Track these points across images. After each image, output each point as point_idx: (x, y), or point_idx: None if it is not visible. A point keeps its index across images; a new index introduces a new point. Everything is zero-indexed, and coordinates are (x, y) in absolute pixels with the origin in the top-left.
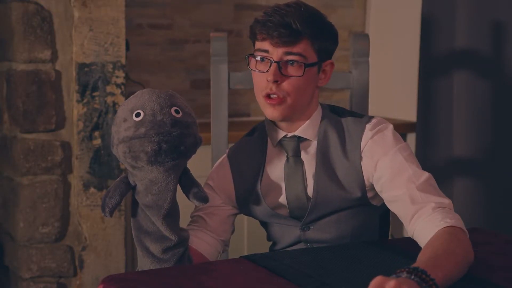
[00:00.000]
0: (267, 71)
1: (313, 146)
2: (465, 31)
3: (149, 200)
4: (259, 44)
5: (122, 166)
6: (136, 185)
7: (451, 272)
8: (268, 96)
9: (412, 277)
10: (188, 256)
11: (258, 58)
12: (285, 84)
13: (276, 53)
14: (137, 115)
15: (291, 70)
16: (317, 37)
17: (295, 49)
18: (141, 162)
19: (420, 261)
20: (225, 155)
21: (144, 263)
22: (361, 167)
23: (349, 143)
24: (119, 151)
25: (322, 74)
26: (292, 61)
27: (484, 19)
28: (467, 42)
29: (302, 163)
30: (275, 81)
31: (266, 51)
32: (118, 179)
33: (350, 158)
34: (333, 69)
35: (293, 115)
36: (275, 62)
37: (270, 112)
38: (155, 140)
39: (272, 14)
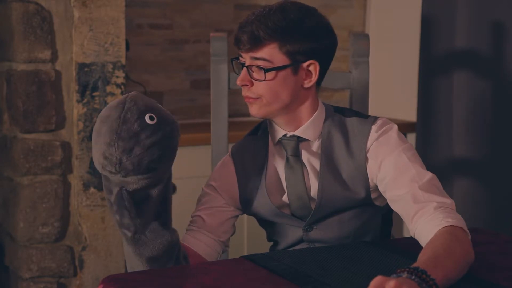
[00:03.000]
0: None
1: (316, 146)
2: (465, 31)
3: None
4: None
5: None
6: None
7: (451, 272)
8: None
9: (413, 277)
10: (184, 255)
11: (239, 62)
12: (255, 87)
13: (246, 58)
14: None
15: (256, 74)
16: (285, 40)
17: (258, 54)
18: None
19: (421, 261)
20: (228, 154)
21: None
22: (366, 168)
23: (354, 144)
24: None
25: (306, 75)
26: (256, 66)
27: (484, 19)
28: (467, 42)
29: (301, 163)
30: (245, 85)
31: (241, 55)
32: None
33: (355, 159)
34: (317, 69)
35: (275, 114)
36: (244, 66)
37: (249, 109)
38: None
39: (245, 21)
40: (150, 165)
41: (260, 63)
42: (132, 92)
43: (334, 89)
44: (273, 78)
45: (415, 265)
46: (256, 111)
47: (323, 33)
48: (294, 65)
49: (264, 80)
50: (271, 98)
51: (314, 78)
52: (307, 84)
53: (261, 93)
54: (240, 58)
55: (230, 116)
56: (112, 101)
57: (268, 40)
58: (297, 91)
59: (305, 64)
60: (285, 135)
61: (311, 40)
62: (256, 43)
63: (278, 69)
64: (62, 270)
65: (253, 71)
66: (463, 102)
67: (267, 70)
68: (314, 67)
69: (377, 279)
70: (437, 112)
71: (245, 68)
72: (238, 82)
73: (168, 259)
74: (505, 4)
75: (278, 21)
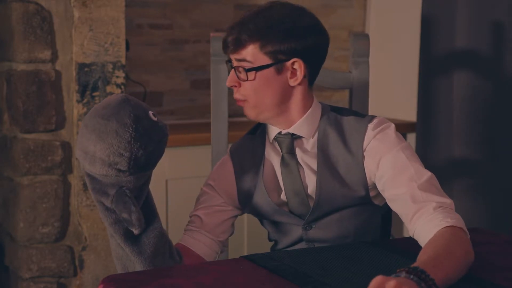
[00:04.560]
0: None
1: (311, 145)
2: (465, 31)
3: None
4: None
5: None
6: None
7: (451, 272)
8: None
9: (411, 276)
10: (177, 250)
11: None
12: (242, 89)
13: (233, 60)
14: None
15: (241, 75)
16: (266, 40)
17: (241, 56)
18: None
19: (420, 260)
20: (227, 153)
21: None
22: (363, 166)
23: (351, 142)
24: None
25: (291, 74)
26: (241, 67)
27: (484, 19)
28: (467, 42)
29: (296, 160)
30: (234, 86)
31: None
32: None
33: (352, 157)
34: (302, 67)
35: (267, 115)
36: (232, 68)
37: (244, 112)
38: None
39: (232, 24)
40: (156, 160)
41: (243, 64)
42: (115, 94)
43: (334, 89)
44: (255, 78)
45: (414, 265)
46: (248, 113)
47: (306, 32)
48: (276, 64)
49: (247, 80)
50: (256, 98)
51: (300, 76)
52: (293, 82)
53: (247, 94)
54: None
55: (230, 116)
56: (105, 100)
57: (249, 41)
58: (284, 90)
59: (288, 63)
60: (279, 133)
61: (291, 39)
62: (238, 45)
63: (258, 69)
64: (62, 270)
65: (239, 72)
66: (463, 102)
67: (247, 70)
68: (298, 65)
69: (377, 279)
70: (437, 112)
71: (232, 70)
72: (227, 84)
73: (163, 252)
74: (505, 4)
75: (259, 23)
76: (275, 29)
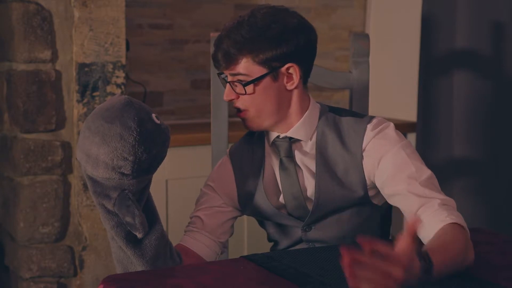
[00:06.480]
0: None
1: (309, 147)
2: (465, 31)
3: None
4: None
5: None
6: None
7: (451, 263)
8: (236, 109)
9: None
10: (176, 251)
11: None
12: (242, 100)
13: (227, 74)
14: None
15: (238, 88)
16: (256, 51)
17: (235, 70)
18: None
19: (429, 246)
20: (226, 155)
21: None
22: (362, 166)
23: (350, 143)
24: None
25: (288, 79)
26: (237, 81)
27: (484, 19)
28: (467, 42)
29: (295, 164)
30: (231, 100)
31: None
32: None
33: (351, 157)
34: (297, 70)
35: (268, 123)
36: (227, 82)
37: (244, 125)
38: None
39: (218, 38)
40: (159, 163)
41: (239, 77)
42: (117, 95)
43: (334, 89)
44: (254, 89)
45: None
46: (250, 124)
47: (293, 35)
48: (272, 72)
49: (245, 93)
50: (257, 108)
51: (296, 79)
52: (290, 86)
53: (246, 105)
54: (223, 74)
55: (230, 116)
56: (107, 102)
57: (239, 55)
58: (282, 96)
59: (283, 69)
60: (278, 137)
61: (282, 44)
62: (230, 61)
63: (256, 80)
64: (62, 270)
65: (236, 86)
66: (463, 102)
67: (244, 84)
68: (293, 69)
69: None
70: (437, 112)
71: (228, 84)
72: (224, 99)
73: (164, 253)
74: (505, 4)
75: (246, 34)
76: (264, 37)
